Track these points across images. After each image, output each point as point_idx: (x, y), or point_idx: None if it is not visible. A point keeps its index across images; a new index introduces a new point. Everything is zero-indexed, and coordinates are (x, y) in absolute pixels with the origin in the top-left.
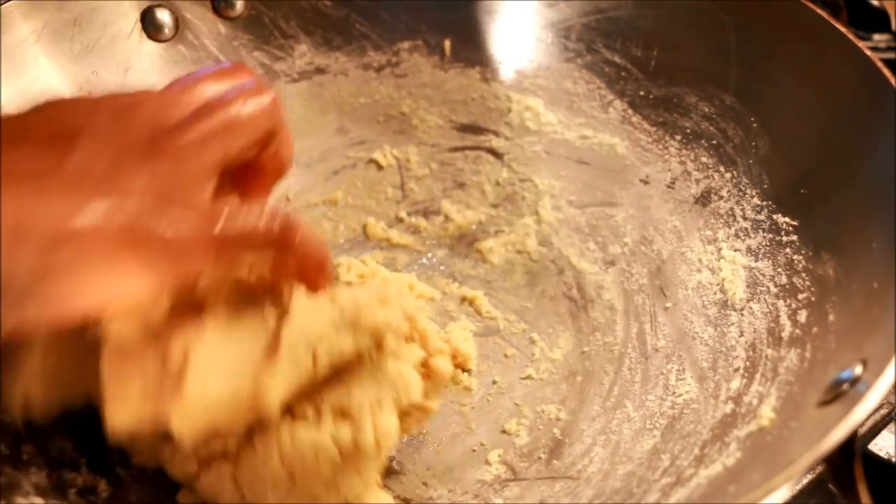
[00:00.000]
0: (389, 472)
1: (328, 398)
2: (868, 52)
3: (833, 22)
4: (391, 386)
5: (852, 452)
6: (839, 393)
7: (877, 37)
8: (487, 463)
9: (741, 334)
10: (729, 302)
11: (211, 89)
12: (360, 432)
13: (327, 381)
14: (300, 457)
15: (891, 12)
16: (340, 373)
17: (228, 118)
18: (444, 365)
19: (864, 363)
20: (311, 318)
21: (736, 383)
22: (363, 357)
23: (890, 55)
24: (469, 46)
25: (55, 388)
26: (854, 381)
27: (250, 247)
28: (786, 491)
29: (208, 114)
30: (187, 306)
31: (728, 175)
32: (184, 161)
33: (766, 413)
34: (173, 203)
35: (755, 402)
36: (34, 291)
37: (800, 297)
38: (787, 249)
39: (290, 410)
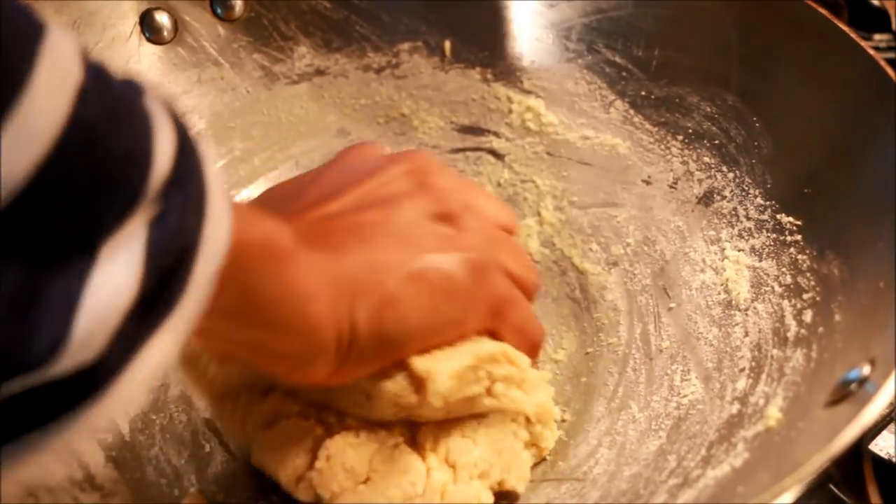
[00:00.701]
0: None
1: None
2: (871, 52)
3: (835, 21)
4: (503, 459)
5: (861, 453)
6: (847, 393)
7: (877, 36)
8: None
9: (746, 334)
10: (733, 302)
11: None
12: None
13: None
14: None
15: (891, 12)
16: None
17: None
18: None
19: (872, 363)
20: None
21: (742, 384)
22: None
23: (890, 55)
24: (469, 47)
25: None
26: (862, 381)
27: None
28: (795, 492)
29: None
30: None
31: (731, 175)
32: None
33: (773, 413)
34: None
35: (761, 402)
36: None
37: (805, 296)
38: (792, 249)
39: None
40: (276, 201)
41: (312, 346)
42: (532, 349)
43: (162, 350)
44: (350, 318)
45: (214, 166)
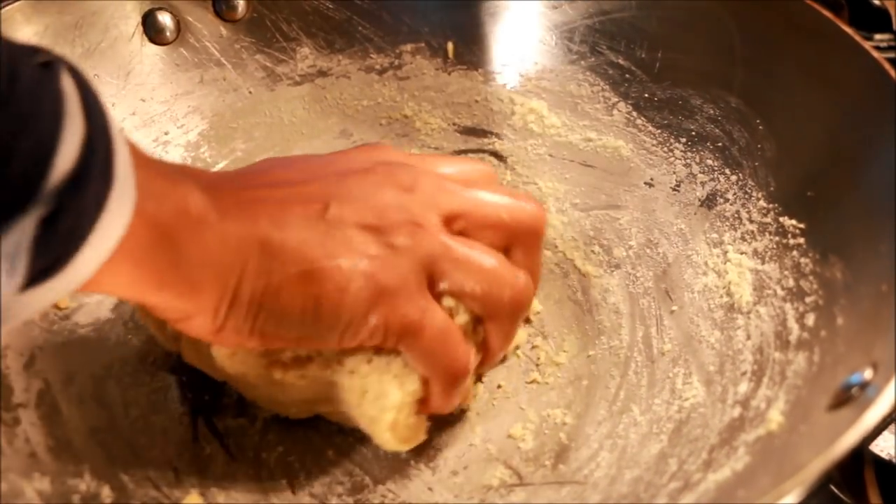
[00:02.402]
0: (393, 477)
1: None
2: (875, 54)
3: (838, 23)
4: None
5: (862, 456)
6: (849, 397)
7: (878, 36)
8: (493, 468)
9: (748, 338)
10: (735, 305)
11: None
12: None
13: None
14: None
15: (892, 12)
16: None
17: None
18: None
19: (874, 367)
20: None
21: (743, 387)
22: None
23: (891, 54)
24: (472, 49)
25: None
26: (864, 385)
27: None
28: (796, 495)
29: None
30: None
31: (734, 177)
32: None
33: (775, 417)
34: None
35: (763, 406)
36: None
37: (807, 300)
38: (794, 252)
39: None
40: (241, 174)
41: (192, 305)
42: (447, 380)
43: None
44: (234, 291)
45: (124, 154)
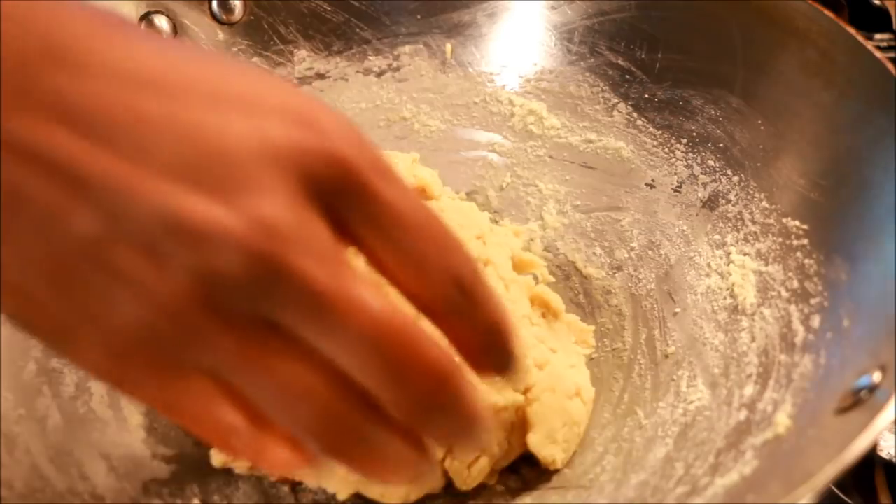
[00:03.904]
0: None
1: None
2: (877, 54)
3: (840, 22)
4: None
5: (873, 459)
6: (857, 400)
7: (878, 36)
8: (497, 473)
9: (753, 340)
10: (739, 307)
11: None
12: None
13: None
14: None
15: (892, 12)
16: None
17: None
18: None
19: (883, 369)
20: None
21: (749, 390)
22: None
23: (892, 54)
24: (471, 50)
25: None
26: (873, 388)
27: None
28: (808, 500)
29: None
30: None
31: (736, 178)
32: None
33: (782, 420)
34: None
35: (770, 409)
36: None
37: (812, 301)
38: (798, 253)
39: None
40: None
41: None
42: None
43: None
44: None
45: None
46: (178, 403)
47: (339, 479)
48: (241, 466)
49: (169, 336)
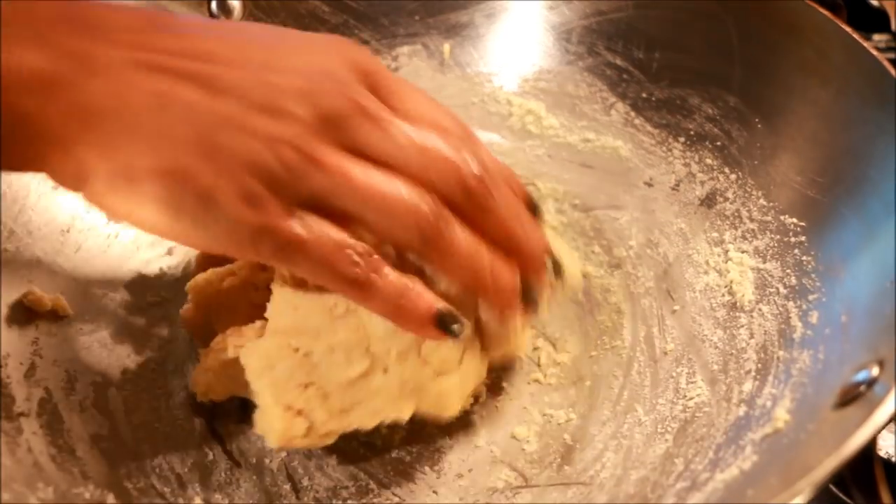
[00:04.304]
0: (398, 481)
1: None
2: (874, 52)
3: (837, 21)
4: None
5: (872, 455)
6: (856, 395)
7: (876, 37)
8: (498, 470)
9: (751, 336)
10: (738, 304)
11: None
12: None
13: None
14: None
15: (890, 12)
16: None
17: None
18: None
19: (881, 364)
20: None
21: (748, 386)
22: None
23: (890, 55)
24: (469, 51)
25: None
26: (871, 383)
27: None
28: (806, 495)
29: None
30: None
31: (733, 176)
32: None
33: (781, 415)
34: None
35: (769, 404)
36: None
37: (810, 297)
38: (796, 250)
39: None
40: (165, 23)
41: (54, 174)
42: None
43: None
44: (88, 163)
45: None
46: (301, 239)
47: (396, 399)
48: (300, 443)
49: (295, 166)
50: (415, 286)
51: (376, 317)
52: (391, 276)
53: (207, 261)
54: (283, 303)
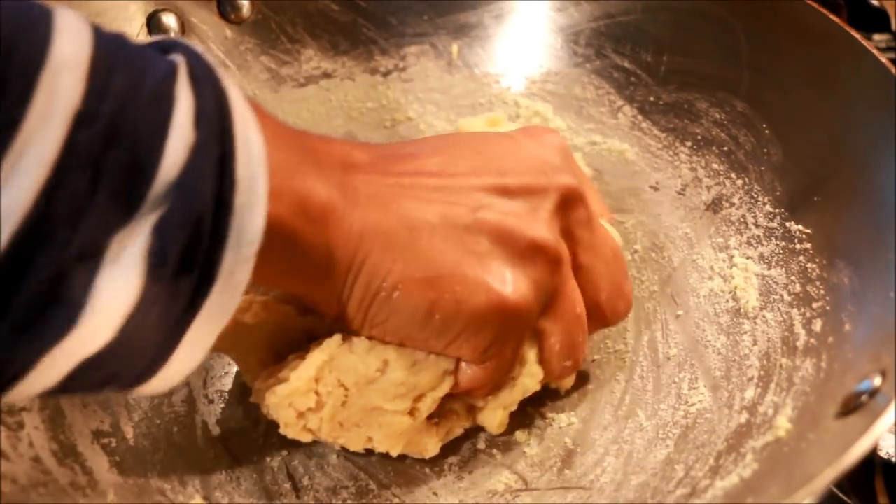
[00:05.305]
0: (398, 482)
1: None
2: (882, 58)
3: (845, 26)
4: None
5: (872, 461)
6: (858, 404)
7: (877, 37)
8: (498, 472)
9: (755, 343)
10: (742, 310)
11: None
12: None
13: None
14: None
15: (891, 12)
16: None
17: None
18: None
19: (883, 374)
20: None
21: (750, 393)
22: None
23: (891, 55)
24: (477, 51)
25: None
26: (873, 393)
27: None
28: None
29: None
30: None
31: (739, 182)
32: None
33: (783, 424)
34: None
35: (770, 412)
36: None
37: (814, 305)
38: (801, 257)
39: None
40: (389, 152)
41: (309, 294)
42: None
43: (204, 333)
44: (350, 283)
45: (253, 142)
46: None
47: (390, 437)
48: (286, 415)
49: (545, 266)
50: None
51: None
52: None
53: None
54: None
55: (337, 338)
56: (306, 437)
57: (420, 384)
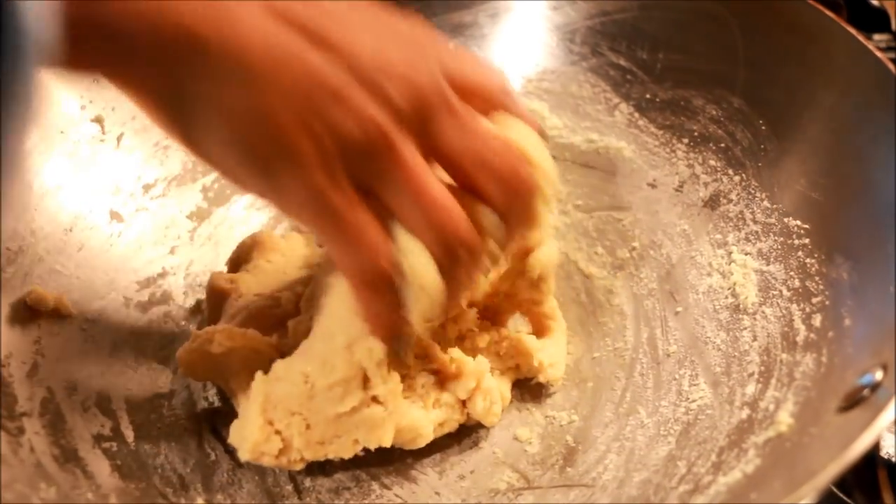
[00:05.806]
0: (400, 482)
1: None
2: (878, 54)
3: (842, 23)
4: None
5: (875, 458)
6: (860, 399)
7: (877, 37)
8: (500, 471)
9: (754, 339)
10: (741, 306)
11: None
12: None
13: None
14: None
15: (891, 12)
16: None
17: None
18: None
19: (885, 368)
20: None
21: (751, 388)
22: None
23: (891, 55)
24: (473, 50)
25: None
26: (874, 387)
27: None
28: (811, 498)
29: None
30: None
31: (737, 178)
32: None
33: (784, 419)
34: None
35: (772, 407)
36: None
37: (814, 300)
38: (800, 253)
39: None
40: None
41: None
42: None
43: None
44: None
45: None
46: (346, 221)
47: (377, 429)
48: (268, 461)
49: (376, 150)
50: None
51: (374, 350)
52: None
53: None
54: (336, 321)
55: (259, 374)
56: (300, 465)
57: (346, 369)
